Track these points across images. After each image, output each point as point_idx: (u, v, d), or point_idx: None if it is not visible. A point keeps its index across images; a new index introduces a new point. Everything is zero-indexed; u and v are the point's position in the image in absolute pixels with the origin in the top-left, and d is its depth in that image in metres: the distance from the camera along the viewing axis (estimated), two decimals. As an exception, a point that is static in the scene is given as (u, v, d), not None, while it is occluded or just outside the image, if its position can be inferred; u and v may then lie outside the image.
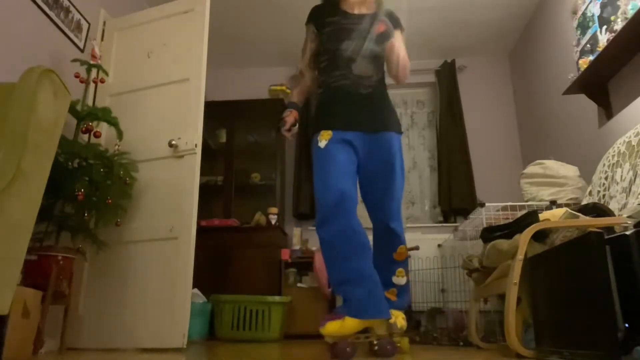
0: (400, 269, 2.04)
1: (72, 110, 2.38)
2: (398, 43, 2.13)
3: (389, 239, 2.03)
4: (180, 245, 2.49)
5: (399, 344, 2.00)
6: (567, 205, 2.57)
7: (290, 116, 2.13)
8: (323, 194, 1.90)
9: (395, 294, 2.03)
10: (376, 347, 1.85)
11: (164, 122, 2.77)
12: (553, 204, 2.62)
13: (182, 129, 2.70)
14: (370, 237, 1.94)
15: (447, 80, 4.46)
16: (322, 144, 1.99)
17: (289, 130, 2.10)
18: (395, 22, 2.20)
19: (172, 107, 2.78)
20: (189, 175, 2.60)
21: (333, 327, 1.78)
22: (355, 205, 1.92)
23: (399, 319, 1.92)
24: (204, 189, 3.71)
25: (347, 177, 1.95)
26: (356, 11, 2.19)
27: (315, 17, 2.20)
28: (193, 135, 2.65)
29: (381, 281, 1.92)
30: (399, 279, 2.04)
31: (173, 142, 2.64)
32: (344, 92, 2.06)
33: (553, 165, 2.87)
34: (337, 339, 1.79)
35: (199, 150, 2.64)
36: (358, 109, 2.05)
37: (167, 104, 2.80)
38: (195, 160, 2.62)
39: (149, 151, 2.74)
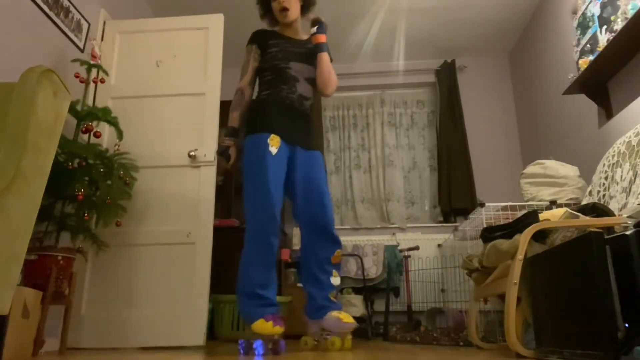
0: (335, 271, 2.23)
1: (72, 110, 2.38)
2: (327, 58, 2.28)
3: (327, 243, 2.20)
4: (198, 249, 2.67)
5: (341, 345, 2.15)
6: (567, 205, 2.57)
7: (233, 148, 2.27)
8: (263, 204, 2.04)
9: (335, 295, 2.21)
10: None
11: (178, 132, 2.87)
12: (553, 204, 2.62)
13: (198, 140, 2.84)
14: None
15: (447, 80, 4.46)
16: (274, 150, 2.11)
17: (234, 164, 2.29)
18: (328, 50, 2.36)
19: (187, 118, 2.89)
20: (206, 185, 2.77)
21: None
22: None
23: (349, 317, 2.10)
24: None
25: (281, 191, 2.14)
26: (297, 37, 2.38)
27: (259, 39, 2.32)
28: (211, 148, 2.80)
29: (325, 286, 2.17)
30: (336, 279, 2.22)
31: (192, 153, 2.78)
32: (290, 105, 2.22)
33: (553, 165, 2.87)
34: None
35: (216, 162, 2.79)
36: (300, 126, 2.25)
37: (181, 114, 2.91)
38: (213, 172, 2.79)
39: (160, 158, 2.83)
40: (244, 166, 2.16)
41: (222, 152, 2.27)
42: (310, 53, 2.30)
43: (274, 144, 2.12)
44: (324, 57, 2.26)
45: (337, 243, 2.22)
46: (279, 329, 1.96)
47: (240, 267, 2.07)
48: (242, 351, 1.99)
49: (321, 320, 2.15)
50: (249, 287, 2.01)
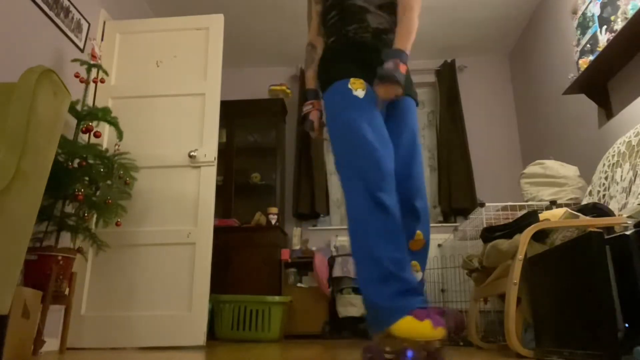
0: (414, 262, 1.59)
1: (72, 110, 2.38)
2: None
3: (408, 221, 1.61)
4: (198, 250, 2.67)
5: None
6: (567, 205, 2.57)
7: (314, 112, 1.82)
8: (363, 153, 1.50)
9: None
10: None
11: (178, 132, 2.88)
12: (553, 204, 2.62)
13: (198, 141, 2.85)
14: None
15: (447, 80, 4.46)
16: (360, 93, 1.60)
17: (319, 129, 1.81)
18: None
19: (187, 118, 2.90)
20: (207, 186, 2.77)
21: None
22: None
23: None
24: (204, 189, 3.72)
25: (388, 139, 1.59)
26: None
27: None
28: (211, 148, 2.81)
29: None
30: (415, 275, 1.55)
31: (192, 153, 2.78)
32: (364, 45, 1.73)
33: (553, 165, 2.87)
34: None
35: (215, 162, 2.81)
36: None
37: (181, 115, 2.91)
38: (213, 172, 2.78)
39: (160, 158, 2.84)
40: (327, 126, 1.66)
41: (303, 121, 1.84)
42: None
43: (358, 86, 1.62)
44: None
45: (417, 219, 1.63)
46: (441, 332, 1.24)
47: (354, 245, 1.45)
48: None
49: None
50: (378, 266, 1.36)
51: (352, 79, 1.64)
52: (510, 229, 2.09)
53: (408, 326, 1.27)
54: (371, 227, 1.42)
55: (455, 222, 4.15)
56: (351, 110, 1.57)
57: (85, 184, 2.30)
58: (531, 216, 2.02)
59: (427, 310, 1.31)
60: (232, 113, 4.26)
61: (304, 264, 3.78)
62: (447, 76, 4.47)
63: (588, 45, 2.76)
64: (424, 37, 4.31)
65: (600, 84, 2.85)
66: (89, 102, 2.84)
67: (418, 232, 1.62)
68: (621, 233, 1.36)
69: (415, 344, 1.27)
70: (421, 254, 1.64)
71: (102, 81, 2.73)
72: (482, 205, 2.79)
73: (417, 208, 1.63)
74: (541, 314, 1.72)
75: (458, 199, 4.09)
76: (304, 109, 1.85)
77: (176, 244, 2.69)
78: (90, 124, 2.44)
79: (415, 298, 1.34)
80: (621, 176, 2.16)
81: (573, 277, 1.48)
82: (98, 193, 2.40)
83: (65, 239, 2.42)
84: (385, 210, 1.43)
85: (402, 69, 1.57)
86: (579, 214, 1.86)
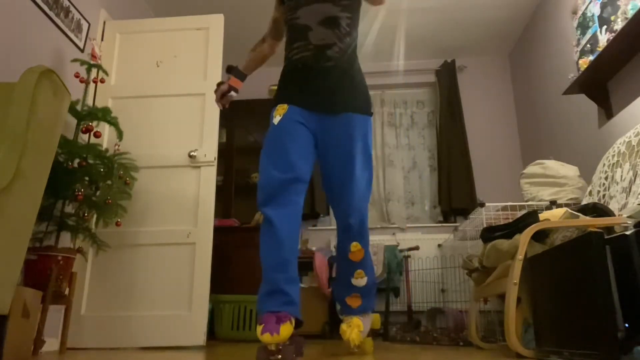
0: (358, 271, 1.85)
1: (72, 110, 2.38)
2: None
3: (346, 236, 1.86)
4: (198, 249, 2.68)
5: (358, 347, 1.81)
6: (567, 205, 2.57)
7: (225, 84, 2.00)
8: (272, 169, 1.69)
9: (359, 297, 1.86)
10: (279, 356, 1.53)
11: (178, 132, 2.88)
12: (553, 204, 2.62)
13: (198, 140, 2.85)
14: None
15: (447, 80, 4.46)
16: (276, 119, 1.77)
17: (222, 98, 2.01)
18: None
19: (187, 118, 2.90)
20: (207, 185, 2.77)
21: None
22: (305, 189, 1.78)
23: (354, 331, 1.76)
24: (204, 189, 3.72)
25: (304, 158, 1.75)
26: None
27: None
28: (211, 148, 2.81)
29: (344, 284, 1.86)
30: (358, 281, 1.84)
31: (192, 153, 2.78)
32: (304, 65, 1.83)
33: (553, 165, 2.87)
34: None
35: (215, 162, 2.82)
36: (316, 86, 1.82)
37: (181, 114, 2.92)
38: (213, 172, 2.79)
39: (160, 158, 2.84)
40: None
41: (215, 90, 2.07)
42: None
43: (278, 112, 1.78)
44: None
45: (352, 235, 1.84)
46: (266, 337, 1.46)
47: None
48: None
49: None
50: (263, 270, 1.65)
51: (278, 106, 1.82)
52: (510, 229, 2.09)
53: (257, 331, 1.49)
54: (261, 236, 1.68)
55: (455, 222, 4.15)
56: (268, 136, 1.77)
57: (85, 184, 2.31)
58: (531, 216, 2.02)
59: (275, 314, 1.51)
60: (232, 113, 4.26)
61: (304, 264, 3.77)
62: (447, 76, 4.47)
63: (588, 45, 2.76)
64: (424, 37, 4.31)
65: (600, 84, 2.85)
66: (89, 102, 2.84)
67: (354, 243, 1.83)
68: (621, 233, 1.36)
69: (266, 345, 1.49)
70: (364, 263, 1.85)
71: (102, 81, 2.73)
72: (482, 205, 2.79)
73: (351, 225, 1.82)
74: (541, 314, 1.72)
75: (458, 199, 4.09)
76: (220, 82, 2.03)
77: (176, 244, 2.69)
78: (90, 124, 2.45)
79: (274, 300, 1.56)
80: (621, 176, 2.16)
81: (573, 277, 1.48)
82: (98, 193, 2.40)
83: (65, 239, 2.42)
84: (268, 222, 1.67)
85: None
86: (579, 214, 1.86)
